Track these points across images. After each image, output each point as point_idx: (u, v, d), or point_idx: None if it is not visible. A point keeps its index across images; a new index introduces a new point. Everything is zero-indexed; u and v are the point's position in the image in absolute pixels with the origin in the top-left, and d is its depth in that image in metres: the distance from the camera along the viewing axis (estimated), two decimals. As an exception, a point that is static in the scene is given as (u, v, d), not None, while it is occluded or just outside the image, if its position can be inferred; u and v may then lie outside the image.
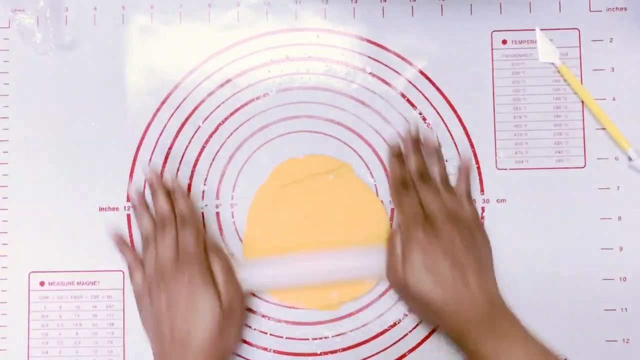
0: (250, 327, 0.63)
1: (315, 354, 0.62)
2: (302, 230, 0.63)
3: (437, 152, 0.62)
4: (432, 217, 0.58)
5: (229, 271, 0.58)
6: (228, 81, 0.64)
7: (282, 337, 0.62)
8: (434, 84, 0.64)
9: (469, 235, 0.58)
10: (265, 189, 0.63)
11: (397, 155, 0.61)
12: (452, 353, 0.62)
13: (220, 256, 0.59)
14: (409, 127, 0.62)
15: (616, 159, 0.63)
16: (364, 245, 0.62)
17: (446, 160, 0.63)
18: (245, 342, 0.62)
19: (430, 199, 0.59)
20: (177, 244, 0.58)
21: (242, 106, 0.64)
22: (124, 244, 0.62)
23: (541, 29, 0.64)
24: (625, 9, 0.64)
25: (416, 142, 0.61)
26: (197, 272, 0.56)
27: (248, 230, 0.63)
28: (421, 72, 0.64)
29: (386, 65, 0.64)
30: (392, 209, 0.63)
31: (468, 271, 0.56)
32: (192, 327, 0.55)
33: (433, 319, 0.59)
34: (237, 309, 0.58)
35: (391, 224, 0.63)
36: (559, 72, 0.63)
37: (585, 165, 0.63)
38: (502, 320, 0.56)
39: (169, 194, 0.60)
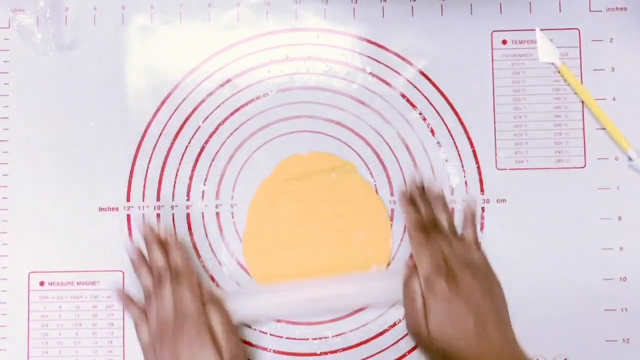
0: (250, 327, 0.63)
1: (315, 354, 0.62)
2: (301, 227, 0.63)
3: (442, 200, 0.61)
4: (450, 266, 0.56)
5: (228, 323, 0.57)
6: (228, 81, 0.64)
7: (282, 337, 0.62)
8: (434, 84, 0.64)
9: (486, 283, 0.57)
10: (268, 183, 0.63)
11: (410, 201, 0.60)
12: (452, 353, 0.62)
13: (218, 308, 0.57)
14: (413, 176, 0.62)
15: (616, 159, 0.63)
16: (364, 259, 0.62)
17: (446, 161, 0.63)
18: (245, 342, 0.62)
19: (445, 248, 0.57)
20: (175, 300, 0.56)
21: (242, 106, 0.64)
22: (128, 300, 0.60)
23: (541, 29, 0.64)
24: (625, 9, 0.64)
25: (422, 191, 0.61)
26: (195, 331, 0.55)
27: (248, 224, 0.63)
28: (421, 72, 0.64)
29: (386, 65, 0.64)
30: (392, 209, 0.63)
31: (489, 321, 0.55)
32: None
33: None
34: None
35: (391, 224, 0.63)
36: (559, 72, 0.63)
37: (585, 165, 0.63)
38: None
39: (164, 247, 0.59)
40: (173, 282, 0.57)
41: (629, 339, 0.62)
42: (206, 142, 0.64)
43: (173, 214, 0.63)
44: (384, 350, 0.62)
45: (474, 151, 0.64)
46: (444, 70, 0.64)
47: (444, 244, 0.58)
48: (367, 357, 0.62)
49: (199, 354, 0.54)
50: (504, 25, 0.64)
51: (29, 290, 0.63)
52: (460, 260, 0.57)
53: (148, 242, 0.60)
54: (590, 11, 0.64)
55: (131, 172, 0.64)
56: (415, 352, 0.62)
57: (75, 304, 0.63)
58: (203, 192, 0.64)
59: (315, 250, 0.62)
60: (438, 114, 0.64)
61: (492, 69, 0.64)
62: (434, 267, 0.56)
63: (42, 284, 0.63)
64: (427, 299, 0.55)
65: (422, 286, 0.56)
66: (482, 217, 0.63)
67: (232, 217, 0.63)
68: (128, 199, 0.63)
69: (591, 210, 0.63)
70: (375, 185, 0.63)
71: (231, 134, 0.64)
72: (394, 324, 0.62)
